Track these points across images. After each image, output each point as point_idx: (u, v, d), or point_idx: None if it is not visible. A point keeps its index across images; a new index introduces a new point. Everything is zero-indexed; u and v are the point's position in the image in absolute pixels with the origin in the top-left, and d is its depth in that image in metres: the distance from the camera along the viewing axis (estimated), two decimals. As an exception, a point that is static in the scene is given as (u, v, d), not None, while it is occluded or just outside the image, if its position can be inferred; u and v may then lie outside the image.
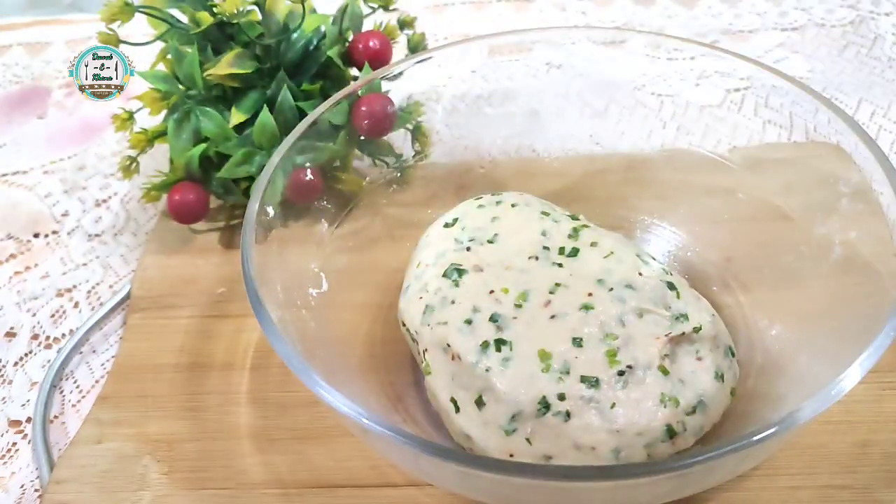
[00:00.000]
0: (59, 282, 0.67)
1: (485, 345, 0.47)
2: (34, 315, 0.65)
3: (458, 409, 0.47)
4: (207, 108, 0.63)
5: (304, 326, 0.51)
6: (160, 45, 0.65)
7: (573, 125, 0.66)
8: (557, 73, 0.65)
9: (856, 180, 0.50)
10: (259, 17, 0.64)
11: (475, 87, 0.69)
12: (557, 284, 0.50)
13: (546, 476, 0.39)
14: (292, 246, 0.55)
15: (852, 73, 0.79)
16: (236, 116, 0.63)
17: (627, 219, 0.62)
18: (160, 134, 0.65)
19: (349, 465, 0.51)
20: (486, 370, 0.46)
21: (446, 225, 0.57)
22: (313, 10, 0.66)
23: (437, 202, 0.62)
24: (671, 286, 0.51)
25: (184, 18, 0.65)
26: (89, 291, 0.66)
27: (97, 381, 0.60)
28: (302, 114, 0.62)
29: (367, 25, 0.68)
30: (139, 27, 0.63)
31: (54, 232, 0.72)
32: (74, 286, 0.67)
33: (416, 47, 0.70)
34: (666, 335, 0.47)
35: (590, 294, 0.49)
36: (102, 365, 0.61)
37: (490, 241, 0.54)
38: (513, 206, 0.57)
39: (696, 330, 0.48)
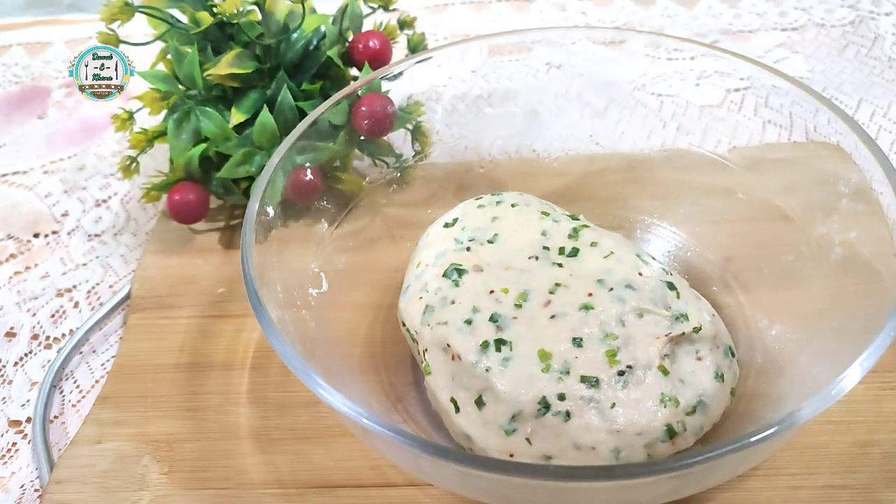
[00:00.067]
0: (59, 282, 0.67)
1: (485, 345, 0.47)
2: (34, 315, 0.65)
3: (458, 409, 0.47)
4: (207, 108, 0.63)
5: (304, 326, 0.51)
6: (160, 45, 0.65)
7: (573, 125, 0.66)
8: (557, 73, 0.65)
9: (856, 180, 0.50)
10: (259, 17, 0.64)
11: (475, 87, 0.69)
12: (557, 284, 0.50)
13: (546, 476, 0.39)
14: (292, 246, 0.55)
15: (852, 73, 0.79)
16: (236, 116, 0.63)
17: (627, 219, 0.62)
18: (160, 134, 0.65)
19: (349, 465, 0.51)
20: (486, 370, 0.46)
21: (446, 225, 0.57)
22: (313, 10, 0.66)
23: (437, 202, 0.62)
24: (671, 286, 0.51)
25: (184, 18, 0.65)
26: (89, 291, 0.66)
27: (97, 381, 0.60)
28: (302, 114, 0.62)
29: (367, 25, 0.68)
30: (139, 27, 0.63)
31: (54, 232, 0.72)
32: (74, 286, 0.67)
33: (416, 47, 0.70)
34: (666, 335, 0.47)
35: (590, 294, 0.49)
36: (102, 365, 0.61)
37: (490, 241, 0.54)
38: (513, 206, 0.57)
39: (696, 330, 0.48)
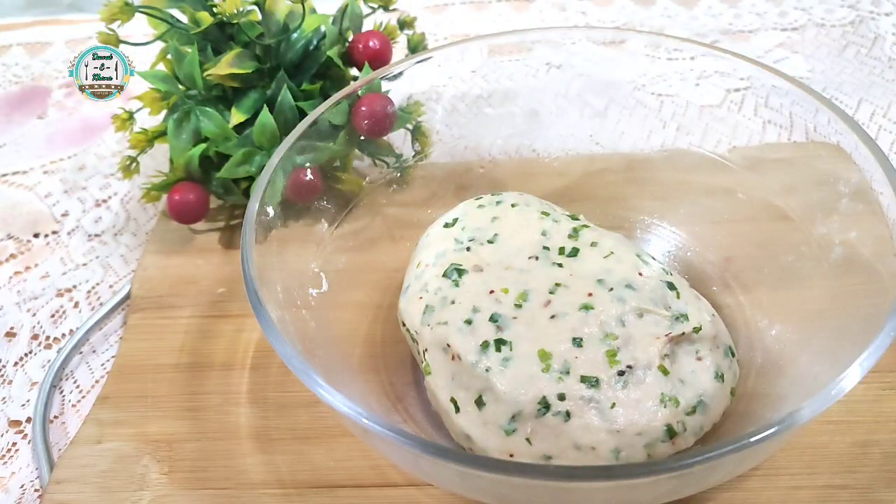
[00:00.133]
0: (59, 282, 0.67)
1: (485, 345, 0.47)
2: (34, 315, 0.65)
3: (458, 409, 0.47)
4: (207, 108, 0.63)
5: (304, 326, 0.51)
6: (160, 45, 0.65)
7: (573, 125, 0.66)
8: (557, 73, 0.65)
9: (856, 180, 0.50)
10: (259, 17, 0.64)
11: (475, 87, 0.69)
12: (557, 284, 0.50)
13: (546, 476, 0.39)
14: (292, 246, 0.55)
15: (852, 73, 0.79)
16: (236, 116, 0.63)
17: (627, 219, 0.62)
18: (160, 134, 0.65)
19: (349, 465, 0.51)
20: (486, 370, 0.46)
21: (446, 225, 0.57)
22: (313, 10, 0.66)
23: (437, 202, 0.62)
24: (671, 286, 0.51)
25: (184, 18, 0.65)
26: (89, 291, 0.66)
27: (97, 381, 0.60)
28: (302, 114, 0.62)
29: (367, 25, 0.68)
30: (139, 27, 0.63)
31: (54, 232, 0.72)
32: (74, 286, 0.67)
33: (416, 47, 0.70)
34: (666, 335, 0.47)
35: (590, 294, 0.49)
36: (102, 365, 0.61)
37: (490, 241, 0.54)
38: (513, 206, 0.57)
39: (696, 330, 0.48)
